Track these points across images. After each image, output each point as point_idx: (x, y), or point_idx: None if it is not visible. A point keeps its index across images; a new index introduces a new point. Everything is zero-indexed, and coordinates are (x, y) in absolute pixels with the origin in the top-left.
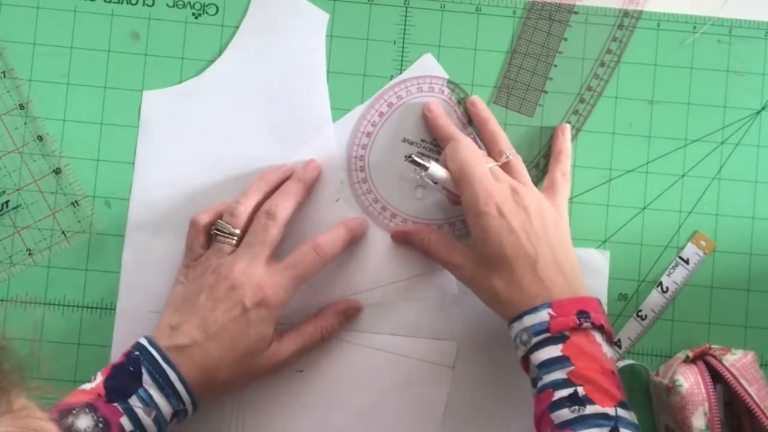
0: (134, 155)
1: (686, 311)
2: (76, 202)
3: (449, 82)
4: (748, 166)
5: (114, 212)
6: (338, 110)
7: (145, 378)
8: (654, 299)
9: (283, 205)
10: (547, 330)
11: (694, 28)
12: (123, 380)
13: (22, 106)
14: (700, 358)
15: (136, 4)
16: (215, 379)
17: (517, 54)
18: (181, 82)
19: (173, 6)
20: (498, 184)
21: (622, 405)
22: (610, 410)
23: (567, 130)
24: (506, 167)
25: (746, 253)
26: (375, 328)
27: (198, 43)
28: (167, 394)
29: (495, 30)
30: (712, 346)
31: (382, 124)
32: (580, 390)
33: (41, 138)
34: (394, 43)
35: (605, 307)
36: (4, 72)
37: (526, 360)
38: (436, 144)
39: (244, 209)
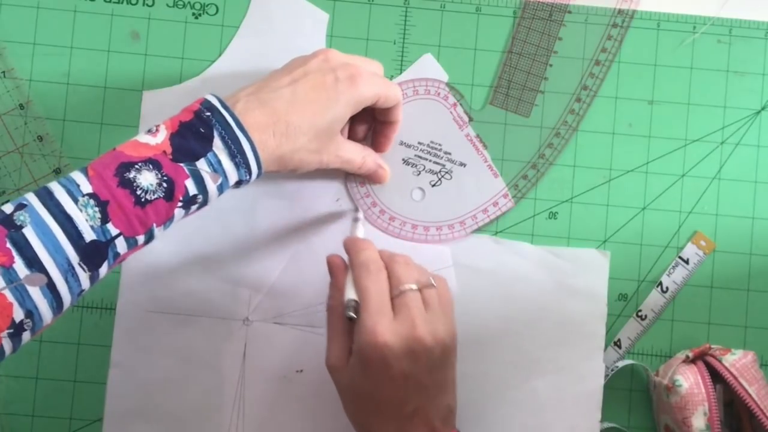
0: None
1: (686, 311)
2: None
3: (445, 84)
4: (748, 166)
5: None
6: None
7: (217, 142)
8: (654, 299)
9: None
10: None
11: (694, 28)
12: (192, 141)
13: (22, 106)
14: (700, 358)
15: (136, 4)
16: (290, 156)
17: (512, 54)
18: (181, 82)
19: (173, 6)
20: None
21: None
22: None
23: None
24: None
25: (746, 253)
26: None
27: (198, 43)
28: (237, 163)
29: (495, 30)
30: (712, 346)
31: None
32: None
33: (41, 138)
34: (394, 43)
35: (605, 308)
36: (4, 72)
37: None
38: (432, 146)
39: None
